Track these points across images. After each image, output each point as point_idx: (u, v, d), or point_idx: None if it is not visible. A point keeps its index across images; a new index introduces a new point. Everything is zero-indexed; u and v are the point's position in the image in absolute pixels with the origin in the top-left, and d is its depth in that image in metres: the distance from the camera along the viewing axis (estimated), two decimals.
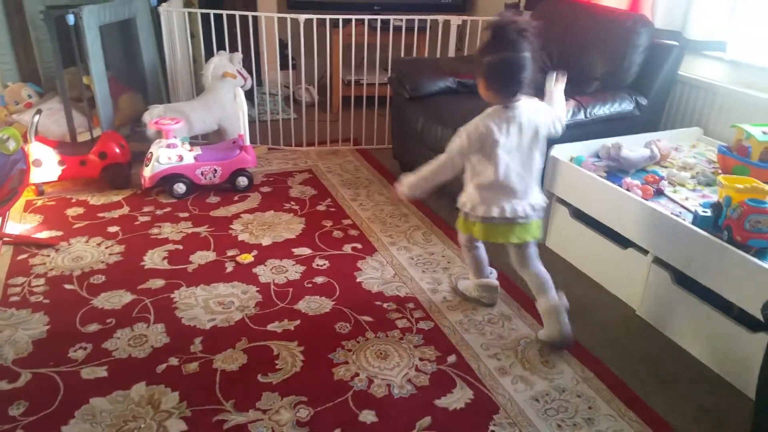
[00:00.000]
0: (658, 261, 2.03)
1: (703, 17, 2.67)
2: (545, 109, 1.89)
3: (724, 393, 1.80)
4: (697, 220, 1.91)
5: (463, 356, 1.90)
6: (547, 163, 2.43)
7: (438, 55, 3.59)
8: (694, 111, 2.78)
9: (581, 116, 2.48)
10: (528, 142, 1.82)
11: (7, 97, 3.35)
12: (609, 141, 2.39)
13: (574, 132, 2.48)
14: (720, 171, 2.30)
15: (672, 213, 1.99)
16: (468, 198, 1.91)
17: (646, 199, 2.09)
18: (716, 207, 1.89)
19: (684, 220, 1.94)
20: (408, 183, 1.94)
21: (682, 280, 1.95)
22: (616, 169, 2.36)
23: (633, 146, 2.38)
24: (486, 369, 1.85)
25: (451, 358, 1.89)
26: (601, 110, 2.52)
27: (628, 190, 2.16)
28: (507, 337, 2.00)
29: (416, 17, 3.51)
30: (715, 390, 1.81)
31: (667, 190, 2.19)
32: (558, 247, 2.53)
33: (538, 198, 1.90)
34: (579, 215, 2.38)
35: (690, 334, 1.95)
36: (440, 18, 3.47)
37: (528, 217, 1.86)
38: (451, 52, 3.58)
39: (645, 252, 2.08)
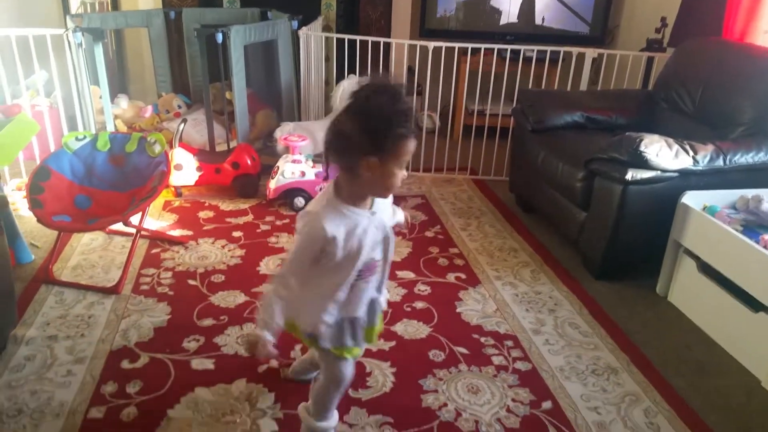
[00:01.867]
0: None
1: None
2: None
3: None
4: None
5: (560, 404, 1.81)
6: (676, 210, 2.27)
7: (569, 88, 3.50)
8: None
9: (720, 162, 2.29)
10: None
11: (160, 106, 3.74)
12: (749, 192, 2.19)
13: (711, 179, 2.32)
14: None
15: None
16: None
17: None
18: None
19: None
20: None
21: None
22: (755, 224, 2.15)
23: None
24: (583, 421, 1.75)
25: (546, 404, 1.80)
26: (744, 158, 2.31)
27: (765, 247, 1.96)
28: (611, 391, 1.88)
29: (549, 48, 3.46)
30: None
31: None
32: (680, 302, 2.34)
33: None
34: (707, 270, 2.19)
35: None
36: (574, 50, 3.39)
37: None
38: (584, 86, 3.47)
39: None
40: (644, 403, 1.83)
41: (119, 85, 4.15)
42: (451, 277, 2.50)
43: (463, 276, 2.51)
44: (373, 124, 1.20)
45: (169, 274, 2.39)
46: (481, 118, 3.64)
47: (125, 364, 1.87)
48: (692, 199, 2.24)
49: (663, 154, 2.22)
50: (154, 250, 2.57)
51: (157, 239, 2.65)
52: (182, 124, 3.05)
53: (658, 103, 2.98)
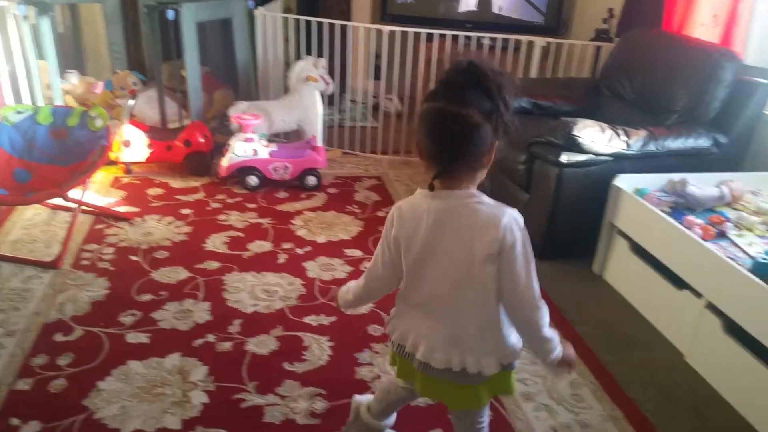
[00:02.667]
0: (711, 306, 1.91)
1: None
2: (494, 226, 1.11)
3: None
4: (756, 267, 1.78)
5: None
6: (610, 193, 2.36)
7: (521, 76, 3.56)
8: None
9: (651, 147, 2.38)
10: (467, 259, 1.13)
11: (114, 83, 3.68)
12: (677, 176, 2.28)
13: (643, 163, 2.40)
14: None
15: (728, 257, 1.86)
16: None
17: (706, 240, 1.98)
18: None
19: (740, 265, 1.81)
20: (343, 301, 1.37)
21: (735, 329, 1.82)
22: (684, 207, 2.24)
23: (703, 184, 2.25)
24: None
25: None
26: (674, 143, 2.40)
27: (689, 228, 2.05)
28: (539, 364, 1.94)
29: (502, 36, 3.51)
30: None
31: (731, 232, 2.05)
32: (613, 279, 2.44)
33: (489, 349, 1.19)
34: (638, 250, 2.28)
35: (737, 388, 1.82)
36: (524, 38, 3.44)
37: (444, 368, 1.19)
38: (534, 73, 3.53)
39: (699, 295, 1.96)
40: (571, 376, 1.90)
41: (75, 61, 4.06)
42: None
43: None
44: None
45: (112, 249, 2.39)
46: None
47: (58, 337, 1.87)
48: (624, 181, 2.32)
49: (596, 138, 2.30)
50: (98, 226, 2.56)
51: (102, 215, 2.64)
52: (132, 101, 3.02)
53: (602, 90, 3.06)
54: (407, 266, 1.19)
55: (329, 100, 3.71)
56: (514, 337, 1.22)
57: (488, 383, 1.23)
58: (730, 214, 2.19)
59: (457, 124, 1.05)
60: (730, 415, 1.80)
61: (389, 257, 1.21)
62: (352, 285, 1.34)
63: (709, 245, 1.93)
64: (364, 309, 2.14)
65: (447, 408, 1.37)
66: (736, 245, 1.99)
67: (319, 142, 3.13)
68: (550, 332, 1.19)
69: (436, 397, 1.29)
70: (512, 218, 1.12)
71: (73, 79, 3.59)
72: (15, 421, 1.55)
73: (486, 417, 1.33)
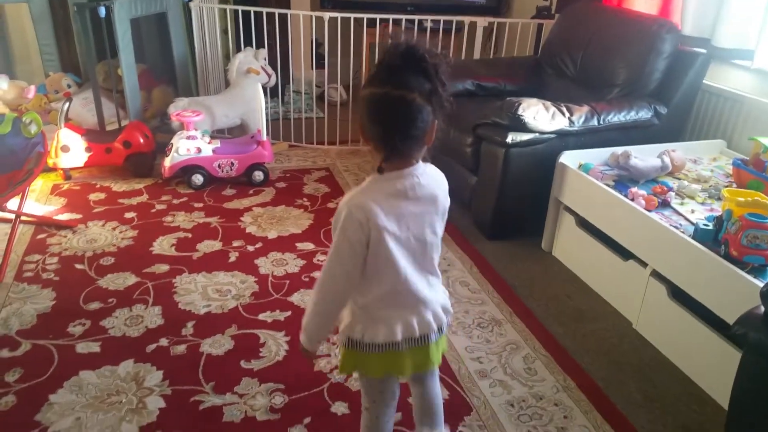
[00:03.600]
0: (656, 274, 1.98)
1: (732, 25, 2.56)
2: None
3: (711, 413, 1.74)
4: (698, 233, 1.85)
5: (445, 357, 1.89)
6: (555, 170, 2.40)
7: (464, 57, 3.58)
8: (719, 122, 2.68)
9: (594, 122, 2.43)
10: (430, 225, 1.21)
11: (48, 86, 3.53)
12: (619, 149, 2.34)
13: (587, 138, 2.46)
14: (734, 185, 2.22)
15: (671, 225, 1.93)
16: (355, 319, 1.25)
17: (649, 210, 2.04)
18: (719, 221, 1.83)
19: (683, 232, 1.88)
20: (307, 337, 1.29)
21: (679, 294, 1.89)
22: (627, 179, 2.31)
23: (645, 156, 2.32)
24: (466, 371, 1.84)
25: None
26: (616, 117, 2.46)
27: (632, 200, 2.11)
28: (493, 341, 1.99)
29: (445, 18, 3.52)
30: (703, 410, 1.75)
31: (674, 201, 2.12)
32: (562, 255, 2.49)
33: (444, 298, 1.32)
34: (584, 224, 2.34)
35: (683, 350, 1.89)
36: (466, 19, 3.46)
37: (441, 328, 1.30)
38: (477, 54, 3.56)
39: (644, 264, 2.03)
40: (524, 351, 1.95)
41: (3, 65, 3.88)
42: None
43: None
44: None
45: (55, 259, 2.30)
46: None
47: (4, 353, 1.80)
48: (569, 158, 2.37)
49: (540, 116, 2.33)
50: (39, 236, 2.46)
51: (43, 224, 2.54)
52: (67, 104, 2.90)
53: (545, 68, 3.11)
54: (387, 256, 1.16)
55: (272, 92, 3.66)
56: None
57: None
58: (673, 183, 2.26)
59: (404, 108, 1.08)
60: (677, 378, 1.87)
61: (360, 255, 1.17)
62: (309, 322, 1.26)
63: (652, 215, 2.00)
64: None
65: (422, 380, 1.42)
66: (679, 213, 2.06)
67: (264, 136, 3.09)
68: None
69: (425, 366, 1.31)
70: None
71: (2, 84, 3.43)
72: None
73: None
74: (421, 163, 1.18)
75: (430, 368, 1.34)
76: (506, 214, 2.56)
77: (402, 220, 1.16)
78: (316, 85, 4.53)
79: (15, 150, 2.33)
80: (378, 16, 3.48)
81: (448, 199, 1.24)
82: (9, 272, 2.20)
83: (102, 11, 2.88)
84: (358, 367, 1.29)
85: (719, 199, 2.15)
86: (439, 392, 1.45)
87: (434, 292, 1.27)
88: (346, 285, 1.21)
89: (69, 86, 3.58)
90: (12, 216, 2.30)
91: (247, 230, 2.62)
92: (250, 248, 2.47)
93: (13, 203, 2.28)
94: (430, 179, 1.20)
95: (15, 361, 1.77)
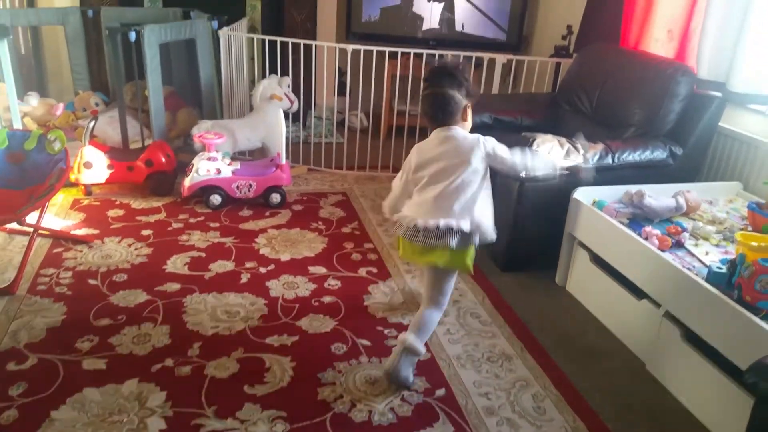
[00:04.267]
0: (669, 315, 1.94)
1: (747, 70, 2.56)
2: (477, 141, 1.89)
3: None
4: (711, 275, 1.82)
5: (453, 391, 1.87)
6: (569, 205, 2.39)
7: (482, 92, 3.61)
8: (736, 165, 2.66)
9: (609, 161, 2.43)
10: (452, 166, 1.84)
11: (76, 104, 3.64)
12: (633, 188, 2.32)
13: (602, 176, 2.44)
14: (750, 228, 2.19)
15: (685, 266, 1.90)
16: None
17: (663, 250, 2.02)
18: (732, 264, 1.80)
19: (696, 274, 1.85)
20: (389, 208, 2.07)
21: (693, 337, 1.85)
22: (641, 218, 2.29)
23: (659, 195, 2.30)
24: (473, 407, 1.81)
25: (440, 392, 1.87)
26: (631, 156, 2.46)
27: (646, 239, 2.09)
28: (503, 377, 1.96)
29: (465, 53, 3.55)
30: None
31: (688, 242, 2.10)
32: (576, 290, 2.47)
33: (457, 223, 1.81)
34: (598, 261, 2.31)
35: (695, 394, 1.85)
36: (486, 56, 3.50)
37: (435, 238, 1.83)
38: (495, 89, 3.59)
39: (658, 305, 2.00)
40: (533, 388, 1.91)
41: (37, 82, 4.01)
42: (362, 272, 2.54)
43: (374, 270, 2.56)
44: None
45: (69, 273, 2.34)
46: (409, 118, 3.72)
47: (11, 366, 1.81)
48: (583, 194, 2.36)
49: (554, 152, 2.33)
50: (56, 250, 2.50)
51: (61, 238, 2.58)
52: (92, 122, 2.98)
53: (561, 105, 3.13)
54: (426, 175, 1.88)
55: (294, 117, 3.71)
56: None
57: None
58: (687, 224, 2.24)
59: (439, 96, 1.87)
60: (688, 422, 1.82)
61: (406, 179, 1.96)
62: (388, 199, 2.07)
63: (665, 255, 1.97)
64: (328, 327, 2.13)
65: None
66: (693, 255, 2.04)
67: (283, 160, 3.13)
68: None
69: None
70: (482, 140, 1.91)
71: (33, 101, 3.54)
72: None
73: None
74: (458, 127, 1.91)
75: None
76: (520, 247, 2.54)
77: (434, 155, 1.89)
78: (338, 112, 4.60)
79: (38, 165, 2.39)
80: (399, 50, 3.54)
81: (476, 154, 1.86)
82: (23, 284, 2.23)
83: (132, 36, 2.97)
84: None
85: (734, 241, 2.12)
86: (427, 314, 1.94)
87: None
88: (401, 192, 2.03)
89: (97, 105, 3.68)
90: (30, 230, 2.35)
91: (261, 251, 2.63)
92: (263, 270, 2.48)
93: (32, 217, 2.33)
94: (461, 135, 1.90)
95: (20, 374, 1.79)
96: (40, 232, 2.42)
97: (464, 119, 1.91)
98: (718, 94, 2.62)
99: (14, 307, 2.10)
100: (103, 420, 1.64)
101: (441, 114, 1.87)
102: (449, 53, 3.58)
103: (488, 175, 1.91)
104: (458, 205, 1.82)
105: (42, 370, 1.81)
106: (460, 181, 1.83)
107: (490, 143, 1.90)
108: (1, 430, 1.58)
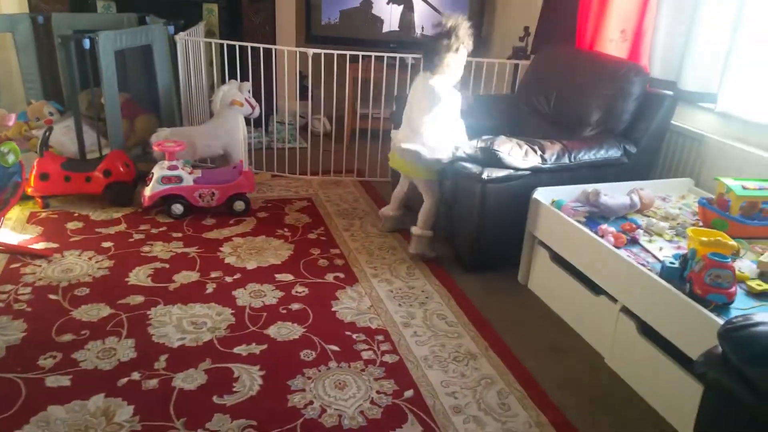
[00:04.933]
0: (625, 310, 2.02)
1: (696, 70, 2.68)
2: (434, 88, 2.53)
3: None
4: (664, 271, 1.90)
5: (421, 392, 1.91)
6: (530, 205, 2.45)
7: None
8: (687, 162, 2.77)
9: (566, 160, 2.50)
10: (418, 103, 2.59)
11: (29, 114, 3.54)
12: (589, 187, 2.40)
13: (559, 176, 2.52)
14: (701, 223, 2.29)
15: (639, 262, 1.98)
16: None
17: (618, 247, 2.09)
18: (684, 259, 1.88)
19: (650, 270, 1.93)
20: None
21: (648, 330, 1.93)
22: (598, 216, 2.36)
23: (615, 193, 2.38)
24: (441, 406, 1.85)
25: (408, 393, 1.90)
26: (587, 156, 2.54)
27: (602, 236, 2.16)
28: (469, 376, 2.01)
29: None
30: None
31: (642, 239, 2.18)
32: (537, 288, 2.53)
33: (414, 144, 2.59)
34: (558, 259, 2.38)
35: (652, 385, 1.93)
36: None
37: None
38: None
39: (615, 300, 2.07)
40: (498, 385, 1.97)
41: None
42: (330, 277, 2.56)
43: (341, 275, 2.58)
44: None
45: (29, 289, 2.29)
46: (366, 121, 3.73)
47: None
48: (542, 194, 2.42)
49: (514, 153, 2.40)
50: (13, 265, 2.44)
51: (17, 253, 2.52)
52: (47, 132, 2.91)
53: (520, 107, 3.20)
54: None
55: (256, 123, 3.70)
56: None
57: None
58: (641, 220, 2.33)
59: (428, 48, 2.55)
60: (646, 413, 1.90)
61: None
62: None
63: (620, 252, 2.05)
64: (297, 334, 2.15)
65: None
66: (647, 251, 2.12)
67: (246, 166, 3.11)
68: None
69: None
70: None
71: None
72: None
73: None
74: (436, 75, 2.53)
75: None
76: (483, 248, 2.60)
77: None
78: (300, 116, 4.59)
79: None
80: (360, 53, 3.56)
81: (435, 94, 2.53)
82: None
83: (86, 43, 2.91)
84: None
85: (686, 236, 2.21)
86: (423, 207, 2.75)
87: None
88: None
89: (51, 114, 3.58)
90: None
91: (226, 261, 2.62)
92: (228, 279, 2.47)
93: None
94: (428, 81, 2.54)
95: None
96: None
97: (442, 72, 2.51)
98: (670, 92, 2.72)
99: None
100: None
101: (424, 61, 2.56)
102: (410, 56, 3.62)
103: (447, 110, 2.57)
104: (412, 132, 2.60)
105: (2, 390, 1.77)
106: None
107: (443, 108, 2.56)
108: None
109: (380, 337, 2.17)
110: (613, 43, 3.02)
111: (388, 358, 2.06)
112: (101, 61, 3.01)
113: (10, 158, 2.32)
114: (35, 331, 2.05)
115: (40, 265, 2.46)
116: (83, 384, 1.82)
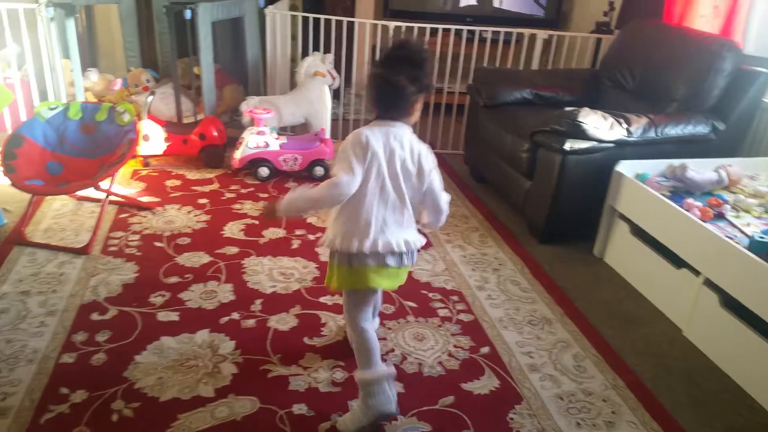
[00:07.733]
0: (708, 283, 2.02)
1: None
2: (429, 153, 1.62)
3: (759, 420, 1.77)
4: (753, 244, 1.89)
5: (497, 349, 1.99)
6: (612, 178, 2.46)
7: (522, 68, 3.67)
8: None
9: (652, 134, 2.48)
10: (402, 170, 1.56)
11: (129, 80, 3.80)
12: (676, 161, 2.39)
13: (644, 149, 2.51)
14: None
15: (727, 236, 1.97)
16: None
17: (704, 221, 2.09)
18: None
19: (738, 243, 1.92)
20: (289, 201, 1.60)
21: (731, 303, 1.93)
22: (683, 191, 2.35)
23: (702, 169, 2.36)
24: (517, 364, 1.93)
25: (485, 349, 1.98)
26: (673, 130, 2.51)
27: (688, 210, 2.16)
28: (544, 339, 2.07)
29: (504, 29, 3.61)
30: (752, 416, 1.79)
31: (729, 214, 2.16)
32: (614, 261, 2.55)
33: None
34: (638, 232, 2.39)
35: (733, 358, 1.93)
36: (526, 31, 3.55)
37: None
38: (535, 65, 3.64)
39: (697, 273, 2.07)
40: (574, 349, 2.02)
41: (90, 59, 4.18)
42: None
43: None
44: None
45: (137, 236, 2.51)
46: (443, 95, 3.79)
47: (95, 317, 1.99)
48: (626, 167, 2.43)
49: (599, 125, 2.40)
50: (122, 215, 2.68)
51: (126, 205, 2.76)
52: (150, 97, 3.13)
53: (603, 81, 3.17)
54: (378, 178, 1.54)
55: (333, 94, 3.82)
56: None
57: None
58: (728, 197, 2.30)
59: (390, 87, 1.50)
60: (725, 384, 1.91)
61: (361, 169, 1.51)
62: (301, 193, 1.58)
63: (708, 225, 2.04)
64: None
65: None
66: (734, 225, 2.10)
67: (328, 135, 3.25)
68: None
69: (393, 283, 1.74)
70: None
71: (93, 76, 3.71)
72: (64, 390, 1.67)
73: None
74: (403, 125, 1.56)
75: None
76: (559, 219, 2.62)
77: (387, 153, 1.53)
78: None
79: (109, 136, 2.56)
80: (440, 26, 3.61)
81: (430, 165, 1.61)
82: (96, 246, 2.41)
83: (188, 14, 3.10)
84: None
85: None
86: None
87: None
88: (345, 188, 1.52)
89: (148, 81, 3.84)
90: (101, 196, 2.52)
91: (309, 220, 2.77)
92: (311, 237, 2.62)
93: (102, 184, 2.50)
94: (407, 139, 1.55)
95: (104, 323, 1.96)
96: (110, 198, 2.59)
97: (411, 114, 1.56)
98: (764, 69, 2.64)
99: (91, 266, 2.28)
100: (181, 364, 1.80)
101: (392, 107, 1.54)
102: (489, 29, 3.64)
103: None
104: None
105: (122, 321, 1.98)
106: None
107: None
108: (94, 370, 1.75)
109: (455, 298, 2.26)
110: (704, 18, 2.95)
111: (464, 317, 2.15)
112: (199, 32, 3.20)
113: (126, 117, 2.53)
114: (145, 273, 2.26)
115: (145, 216, 2.69)
116: (190, 320, 2.01)
